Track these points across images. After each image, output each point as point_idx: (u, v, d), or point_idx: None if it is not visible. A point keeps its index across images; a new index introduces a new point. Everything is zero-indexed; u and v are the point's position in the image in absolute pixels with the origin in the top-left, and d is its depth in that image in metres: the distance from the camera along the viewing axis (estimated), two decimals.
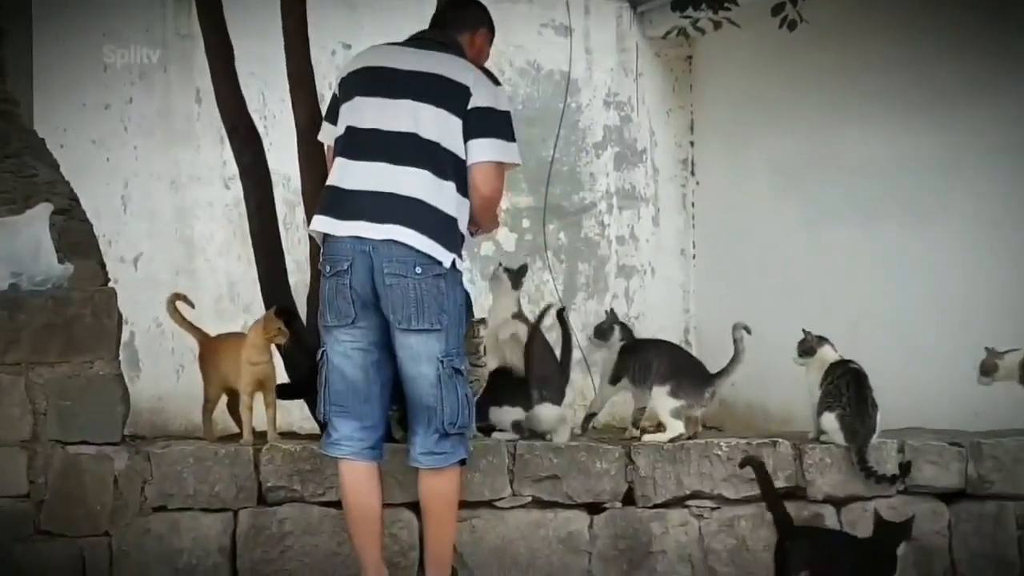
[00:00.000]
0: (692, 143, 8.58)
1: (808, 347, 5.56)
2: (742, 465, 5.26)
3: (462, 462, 4.90)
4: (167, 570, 5.17)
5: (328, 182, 4.86)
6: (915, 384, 5.88)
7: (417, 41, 4.98)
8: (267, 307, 6.14)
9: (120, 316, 5.26)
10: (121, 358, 5.27)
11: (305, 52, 6.08)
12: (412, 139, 4.77)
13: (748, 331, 5.48)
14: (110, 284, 5.36)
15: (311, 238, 6.18)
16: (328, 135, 4.97)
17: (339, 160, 4.84)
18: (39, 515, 5.08)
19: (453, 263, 4.78)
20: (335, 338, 4.85)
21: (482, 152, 4.80)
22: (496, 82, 4.91)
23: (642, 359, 5.55)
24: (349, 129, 4.84)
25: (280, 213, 6.44)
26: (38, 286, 5.12)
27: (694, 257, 8.50)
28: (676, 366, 5.54)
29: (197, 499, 5.21)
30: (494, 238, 5.29)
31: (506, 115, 4.87)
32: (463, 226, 4.85)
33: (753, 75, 8.11)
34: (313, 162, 6.14)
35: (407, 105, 4.80)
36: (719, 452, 5.40)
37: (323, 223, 4.82)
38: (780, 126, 7.91)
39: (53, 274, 5.17)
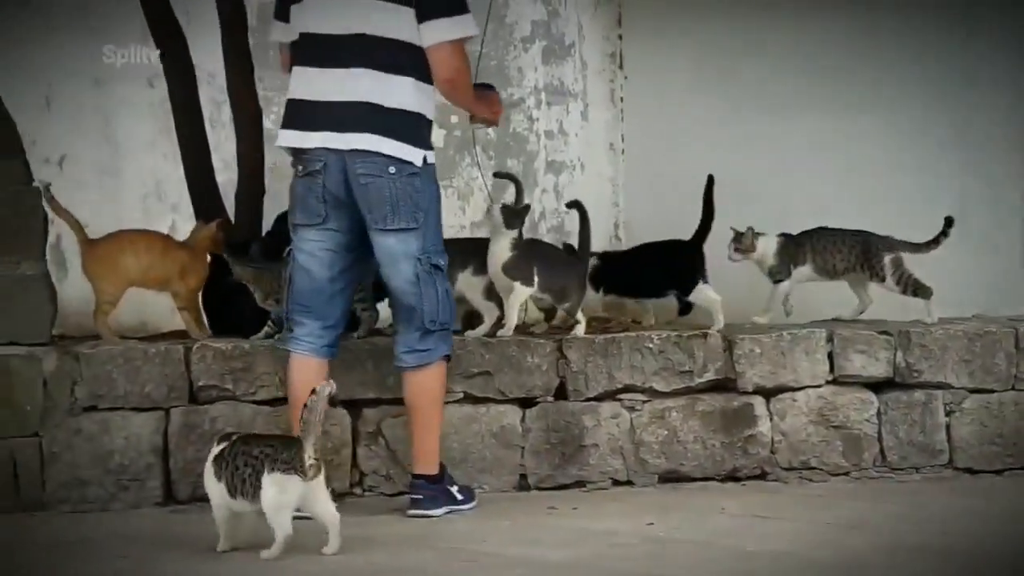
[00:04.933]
0: (620, 36, 8.51)
1: (749, 244, 5.66)
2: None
3: (447, 358, 4.92)
4: (99, 470, 5.16)
5: (288, 94, 4.83)
6: None
7: None
8: (194, 206, 6.10)
9: (46, 216, 5.21)
10: (48, 259, 5.22)
11: None
12: (362, 40, 4.72)
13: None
14: (34, 184, 5.28)
15: (238, 136, 6.15)
16: (280, 33, 4.92)
17: (296, 69, 4.81)
18: None
19: (424, 159, 4.77)
20: (302, 237, 4.86)
21: (432, 35, 4.74)
22: None
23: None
24: (302, 36, 4.80)
25: (206, 111, 6.37)
26: None
27: (623, 152, 8.47)
28: None
29: (128, 399, 5.19)
30: (496, 125, 5.28)
31: None
32: (431, 114, 4.82)
33: None
34: (239, 57, 6.08)
35: (357, 3, 4.74)
36: (650, 345, 5.44)
37: (289, 137, 4.82)
38: (706, 17, 7.86)
39: None
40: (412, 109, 4.77)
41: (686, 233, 5.95)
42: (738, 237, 5.80)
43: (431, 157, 4.84)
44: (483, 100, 5.05)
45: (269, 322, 5.39)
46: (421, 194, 4.78)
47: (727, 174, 7.68)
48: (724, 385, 5.47)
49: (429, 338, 4.85)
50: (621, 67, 8.54)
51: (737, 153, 7.70)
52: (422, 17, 4.73)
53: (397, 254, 4.79)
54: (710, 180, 5.97)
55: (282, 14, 4.91)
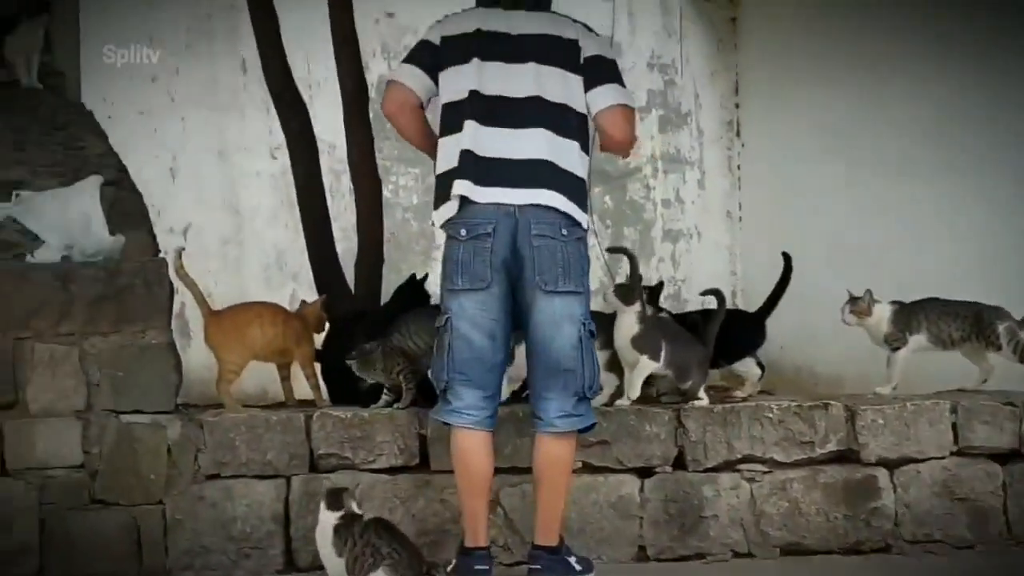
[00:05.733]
0: (737, 105, 8.52)
1: (865, 308, 5.61)
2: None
3: (592, 426, 4.92)
4: (221, 537, 5.19)
5: (463, 146, 4.76)
6: None
7: (510, 3, 4.91)
8: (315, 276, 6.17)
9: (171, 286, 5.27)
10: (173, 328, 5.30)
11: (350, 20, 6.11)
12: (537, 102, 4.76)
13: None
14: (160, 255, 5.37)
15: (358, 206, 6.23)
16: (409, 78, 4.88)
17: (471, 124, 4.76)
18: (94, 484, 5.11)
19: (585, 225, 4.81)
20: (462, 305, 4.78)
21: (607, 98, 4.79)
22: (596, 33, 4.92)
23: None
24: (474, 93, 4.78)
25: (326, 181, 6.46)
26: (90, 258, 5.15)
27: (740, 220, 8.46)
28: None
29: (250, 467, 5.23)
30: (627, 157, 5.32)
31: (615, 62, 4.87)
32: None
33: (798, 34, 8.04)
34: (359, 129, 6.16)
35: (530, 69, 4.78)
36: (770, 415, 5.38)
37: (465, 187, 4.74)
38: (825, 85, 7.85)
39: (104, 246, 5.19)
40: (579, 174, 4.79)
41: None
42: (854, 300, 5.74)
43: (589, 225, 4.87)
44: None
45: (385, 391, 5.41)
46: (584, 259, 4.80)
47: (846, 241, 7.66)
48: (846, 456, 5.40)
49: (582, 404, 4.84)
50: (738, 135, 8.54)
51: (856, 220, 7.65)
52: (595, 82, 4.78)
53: (561, 317, 4.76)
54: (787, 258, 5.91)
55: (422, 62, 4.88)
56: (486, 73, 4.79)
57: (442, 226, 4.82)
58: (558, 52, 4.81)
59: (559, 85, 4.78)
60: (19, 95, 6.40)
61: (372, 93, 6.55)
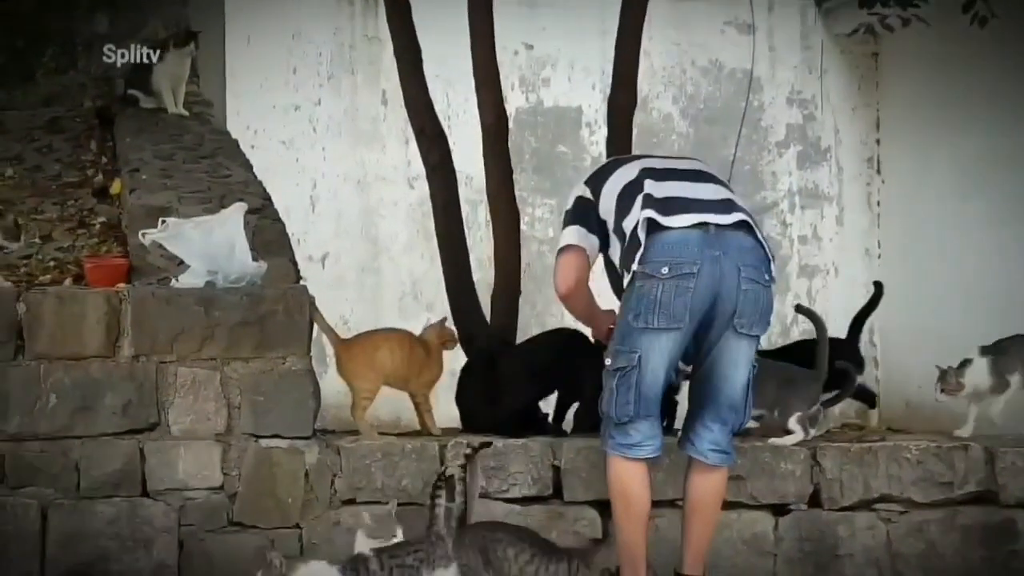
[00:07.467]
0: (878, 141, 8.45)
1: (954, 384, 5.47)
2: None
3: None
4: None
5: (644, 192, 4.76)
6: None
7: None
8: (451, 306, 6.21)
9: (311, 313, 5.34)
10: (311, 354, 5.36)
11: (491, 52, 6.11)
12: (711, 177, 4.90)
13: None
14: (301, 282, 5.44)
15: (496, 238, 6.24)
16: (578, 238, 4.92)
17: (648, 182, 4.79)
18: (232, 507, 5.16)
19: None
20: (652, 344, 4.72)
21: None
22: None
23: None
24: (644, 168, 4.86)
25: (463, 212, 6.49)
26: (233, 283, 5.21)
27: (879, 257, 8.37)
28: None
29: (385, 493, 5.24)
30: None
31: None
32: None
33: (941, 72, 7.96)
34: (498, 161, 6.18)
35: (697, 163, 5.00)
36: (908, 455, 5.31)
37: (652, 213, 4.71)
38: (967, 123, 7.77)
39: (247, 272, 5.25)
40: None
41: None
42: (943, 376, 5.57)
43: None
44: None
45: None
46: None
47: (983, 279, 7.55)
48: (985, 498, 5.31)
49: (732, 441, 4.87)
50: (879, 171, 8.47)
51: (994, 258, 7.54)
52: None
53: (742, 358, 4.77)
54: (878, 287, 5.82)
55: (584, 220, 4.94)
56: (653, 160, 4.96)
57: (638, 266, 4.70)
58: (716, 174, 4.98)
59: (724, 187, 4.90)
60: (166, 123, 6.55)
61: (511, 125, 6.58)
